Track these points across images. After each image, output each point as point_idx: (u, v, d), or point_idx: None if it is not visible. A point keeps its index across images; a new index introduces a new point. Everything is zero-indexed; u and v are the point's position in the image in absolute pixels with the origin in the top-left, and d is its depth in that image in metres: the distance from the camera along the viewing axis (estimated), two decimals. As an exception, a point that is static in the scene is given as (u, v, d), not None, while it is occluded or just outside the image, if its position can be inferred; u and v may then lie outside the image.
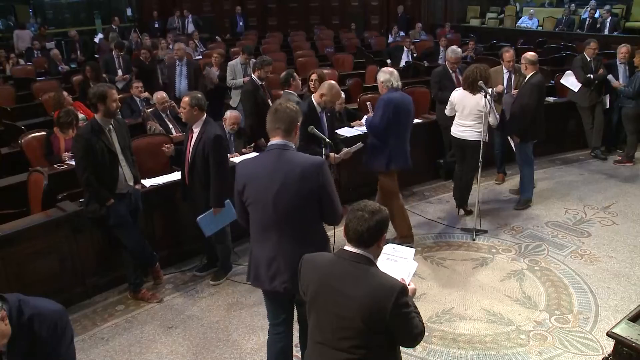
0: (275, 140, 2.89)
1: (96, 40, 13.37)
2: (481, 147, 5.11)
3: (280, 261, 2.87)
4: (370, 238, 2.15)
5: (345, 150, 4.81)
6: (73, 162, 4.95)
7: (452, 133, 5.54)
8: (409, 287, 2.31)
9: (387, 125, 4.70)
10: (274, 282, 2.91)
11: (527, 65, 5.69)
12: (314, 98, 4.57)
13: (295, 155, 2.87)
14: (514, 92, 6.01)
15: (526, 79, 5.73)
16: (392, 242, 2.92)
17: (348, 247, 2.19)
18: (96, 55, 10.84)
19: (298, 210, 2.81)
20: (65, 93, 6.07)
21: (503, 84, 6.10)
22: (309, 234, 2.87)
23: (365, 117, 5.64)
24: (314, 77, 5.51)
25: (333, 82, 4.67)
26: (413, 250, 2.51)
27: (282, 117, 2.87)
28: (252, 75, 6.28)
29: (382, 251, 2.40)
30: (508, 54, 6.19)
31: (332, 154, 4.34)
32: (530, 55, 5.75)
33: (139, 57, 9.20)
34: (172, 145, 4.73)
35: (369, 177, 5.32)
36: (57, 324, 2.04)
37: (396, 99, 4.74)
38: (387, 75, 4.82)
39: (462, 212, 5.80)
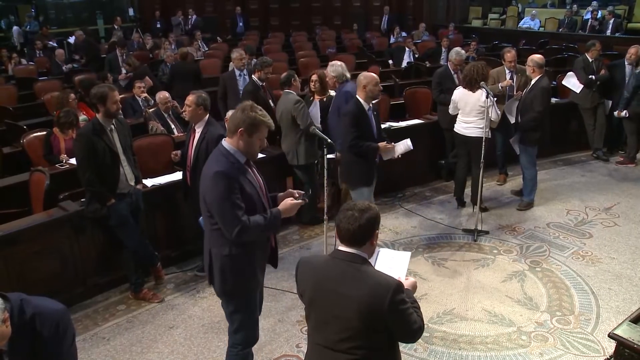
0: (223, 140, 2.92)
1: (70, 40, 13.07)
2: (483, 143, 5.12)
3: (205, 254, 3.01)
4: (363, 236, 2.15)
5: (396, 154, 4.65)
6: (72, 162, 4.97)
7: (455, 130, 5.63)
8: (407, 280, 2.35)
9: None
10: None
11: (535, 68, 5.60)
12: (360, 97, 4.42)
13: (215, 160, 2.83)
14: (517, 94, 5.98)
15: (533, 82, 5.65)
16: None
17: (342, 247, 2.20)
18: (103, 56, 10.77)
19: (205, 215, 2.88)
20: (72, 95, 6.08)
21: (509, 80, 6.09)
22: (220, 236, 2.83)
23: None
24: (314, 77, 5.54)
25: (364, 72, 4.66)
26: (408, 253, 2.58)
27: (229, 117, 2.90)
28: (253, 76, 6.30)
29: (379, 259, 2.42)
30: (509, 54, 6.16)
31: (383, 143, 4.47)
32: (537, 57, 5.67)
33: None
34: (179, 152, 4.73)
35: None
36: (59, 324, 2.04)
37: (353, 90, 5.01)
38: (339, 69, 5.22)
39: (472, 210, 5.80)
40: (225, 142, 2.86)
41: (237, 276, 2.90)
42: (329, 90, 5.61)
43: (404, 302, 2.11)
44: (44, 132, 5.49)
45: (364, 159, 4.49)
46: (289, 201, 2.96)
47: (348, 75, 5.33)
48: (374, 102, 4.60)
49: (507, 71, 6.18)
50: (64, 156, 5.24)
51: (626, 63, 7.12)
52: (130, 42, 12.10)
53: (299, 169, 5.40)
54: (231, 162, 2.79)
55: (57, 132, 5.36)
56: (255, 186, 2.86)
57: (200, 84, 8.21)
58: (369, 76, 4.45)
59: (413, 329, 2.14)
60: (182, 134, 6.02)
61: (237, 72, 6.65)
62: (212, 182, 2.73)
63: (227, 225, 2.74)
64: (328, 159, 5.00)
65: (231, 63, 7.58)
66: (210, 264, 2.95)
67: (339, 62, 5.40)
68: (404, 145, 4.66)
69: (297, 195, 3.02)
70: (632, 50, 7.09)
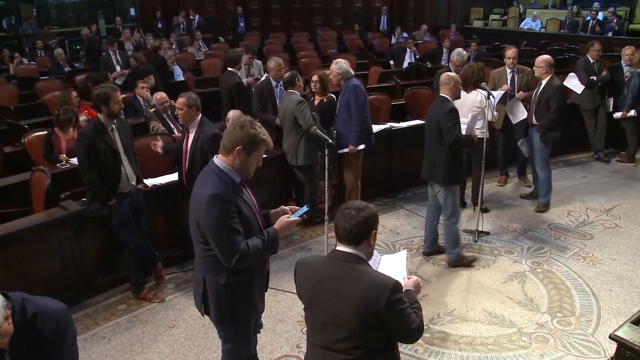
0: (215, 157, 2.69)
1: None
2: (484, 144, 5.13)
3: (196, 282, 2.84)
4: (359, 234, 2.15)
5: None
6: (72, 162, 4.97)
7: None
8: (410, 279, 2.36)
9: (363, 107, 5.26)
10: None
11: (547, 68, 5.57)
12: (448, 95, 4.53)
13: (208, 179, 2.61)
14: (519, 94, 5.97)
15: (545, 82, 5.59)
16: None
17: (339, 247, 2.20)
18: (104, 54, 10.78)
19: (195, 238, 2.68)
20: (74, 93, 6.08)
21: (507, 85, 6.08)
22: (216, 263, 2.64)
23: None
24: (314, 78, 5.55)
25: (446, 73, 4.75)
26: (404, 252, 2.60)
27: (226, 133, 2.64)
28: (230, 69, 6.57)
29: (380, 266, 2.42)
30: (510, 51, 6.18)
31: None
32: (548, 57, 5.65)
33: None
34: (159, 141, 4.58)
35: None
36: (60, 323, 2.04)
37: (360, 84, 5.34)
38: (344, 66, 5.31)
39: (473, 211, 5.81)
40: (219, 160, 2.63)
41: (235, 305, 2.73)
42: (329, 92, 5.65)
43: (402, 302, 2.11)
44: (45, 132, 5.49)
45: (459, 157, 4.62)
46: (285, 219, 2.74)
47: (352, 72, 5.39)
48: None
49: (508, 70, 6.16)
50: (63, 156, 5.23)
51: (623, 64, 7.13)
52: (133, 42, 12.08)
53: (298, 170, 5.40)
54: (226, 182, 2.58)
55: (58, 131, 5.36)
56: (251, 207, 2.68)
57: (166, 71, 8.78)
58: (454, 75, 4.56)
59: (411, 329, 2.14)
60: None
61: (273, 83, 6.11)
62: (207, 205, 2.51)
63: (224, 253, 2.55)
64: (340, 153, 5.13)
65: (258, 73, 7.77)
66: (204, 293, 2.74)
67: (342, 60, 5.44)
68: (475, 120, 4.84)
69: (292, 211, 2.80)
70: (627, 51, 7.10)
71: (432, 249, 4.97)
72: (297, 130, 5.21)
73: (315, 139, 5.11)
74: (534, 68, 5.70)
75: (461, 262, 4.76)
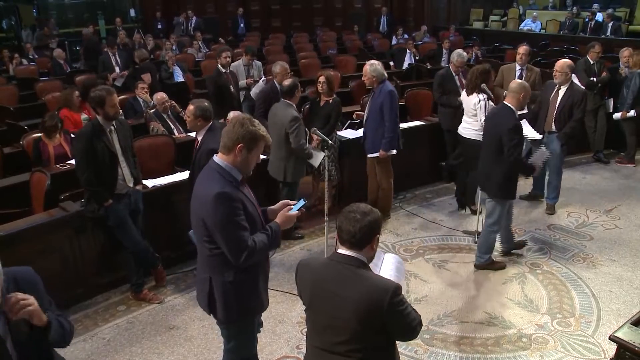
0: (215, 156, 2.71)
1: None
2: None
3: (200, 282, 2.85)
4: (363, 238, 2.14)
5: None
6: (71, 163, 4.95)
7: (458, 130, 5.68)
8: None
9: (397, 113, 5.29)
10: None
11: (570, 72, 5.57)
12: (513, 105, 4.36)
13: (211, 178, 2.62)
14: None
15: (567, 88, 5.54)
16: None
17: (341, 250, 2.19)
18: (103, 54, 10.79)
19: (200, 238, 2.69)
20: (76, 93, 6.08)
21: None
22: (223, 262, 2.65)
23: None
24: (321, 79, 5.53)
25: (516, 81, 4.61)
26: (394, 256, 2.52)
27: (226, 131, 2.65)
28: (218, 65, 6.78)
29: (383, 264, 2.42)
30: (522, 48, 6.25)
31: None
32: (569, 61, 5.66)
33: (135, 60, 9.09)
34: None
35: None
36: (35, 282, 2.19)
37: (394, 90, 5.32)
38: (379, 68, 5.26)
39: (464, 212, 5.83)
40: (219, 159, 2.65)
41: (242, 302, 2.74)
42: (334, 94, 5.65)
43: (403, 303, 2.12)
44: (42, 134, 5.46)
45: (516, 172, 4.51)
46: (285, 213, 2.77)
47: (386, 74, 5.36)
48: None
49: (517, 67, 6.20)
50: (55, 167, 5.17)
51: (621, 66, 7.13)
52: (129, 43, 12.08)
53: (283, 185, 5.21)
54: (229, 180, 2.60)
55: (45, 138, 5.26)
56: (253, 203, 2.71)
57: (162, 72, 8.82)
58: (526, 86, 4.44)
59: (413, 326, 2.16)
60: (182, 135, 6.01)
61: (279, 87, 5.72)
62: (214, 204, 2.51)
63: (233, 250, 2.56)
64: (371, 158, 5.18)
65: (237, 61, 7.56)
66: (210, 292, 2.75)
67: (376, 62, 5.36)
68: (543, 156, 4.71)
69: (291, 205, 2.82)
70: (625, 52, 7.11)
71: (510, 247, 4.96)
72: (287, 145, 4.99)
73: (305, 157, 5.01)
74: (557, 74, 5.53)
75: (490, 267, 4.75)
